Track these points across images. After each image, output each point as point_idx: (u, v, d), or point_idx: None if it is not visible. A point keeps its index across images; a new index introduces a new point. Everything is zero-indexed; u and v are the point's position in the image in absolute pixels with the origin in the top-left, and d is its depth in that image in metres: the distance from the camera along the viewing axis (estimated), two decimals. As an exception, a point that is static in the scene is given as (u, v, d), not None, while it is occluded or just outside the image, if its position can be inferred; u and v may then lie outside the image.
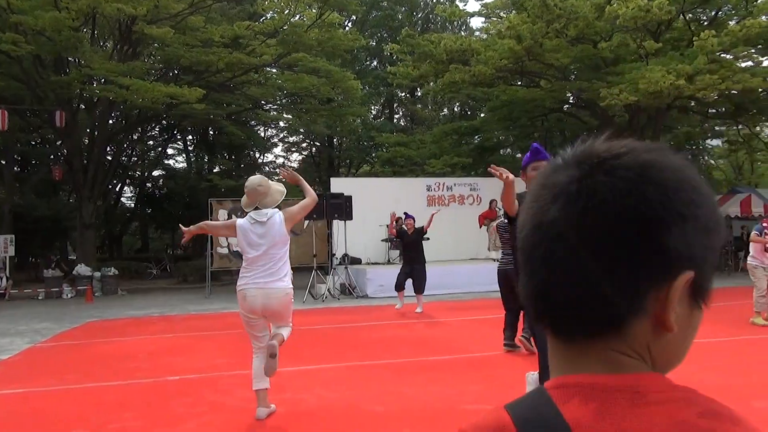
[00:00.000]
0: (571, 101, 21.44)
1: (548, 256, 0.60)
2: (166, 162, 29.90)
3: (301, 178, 4.88)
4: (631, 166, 0.59)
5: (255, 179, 4.65)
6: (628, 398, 0.57)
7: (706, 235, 0.59)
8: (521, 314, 6.64)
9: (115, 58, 17.10)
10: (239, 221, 4.56)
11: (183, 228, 4.81)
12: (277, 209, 4.60)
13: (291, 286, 4.57)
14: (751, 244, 8.89)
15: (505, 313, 6.83)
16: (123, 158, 24.59)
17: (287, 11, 18.35)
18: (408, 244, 10.62)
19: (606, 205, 0.57)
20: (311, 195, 4.76)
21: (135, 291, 17.12)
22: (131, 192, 31.20)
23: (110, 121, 19.98)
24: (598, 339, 0.60)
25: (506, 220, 5.49)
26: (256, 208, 4.59)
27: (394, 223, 11.31)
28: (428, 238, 15.10)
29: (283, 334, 4.51)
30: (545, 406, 0.59)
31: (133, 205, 31.42)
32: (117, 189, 27.37)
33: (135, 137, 24.58)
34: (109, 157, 20.50)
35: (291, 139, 31.65)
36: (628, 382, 0.58)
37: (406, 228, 10.62)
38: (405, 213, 11.01)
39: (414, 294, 10.48)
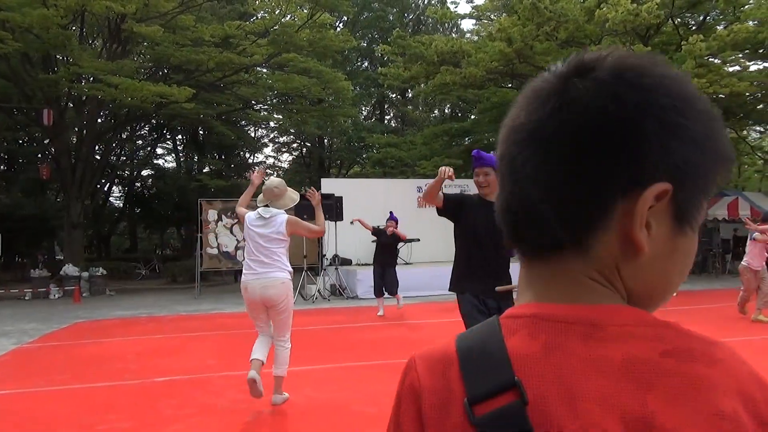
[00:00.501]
0: (561, 104, 21.55)
1: (513, 162, 0.57)
2: (155, 161, 29.75)
3: (320, 206, 5.13)
4: (609, 68, 0.54)
5: (274, 181, 4.98)
6: (582, 332, 0.52)
7: (693, 149, 0.53)
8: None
9: (104, 56, 17.00)
10: (249, 213, 4.86)
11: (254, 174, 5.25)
12: (283, 212, 4.84)
13: (289, 277, 4.77)
14: (748, 248, 8.86)
15: None
16: (112, 157, 24.40)
17: (278, 11, 18.33)
18: (384, 245, 10.49)
19: (575, 105, 0.53)
20: (321, 225, 5.03)
21: (123, 291, 17.00)
22: (120, 192, 30.98)
23: (99, 120, 19.84)
24: (561, 258, 0.55)
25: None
26: (267, 206, 4.85)
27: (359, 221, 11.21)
28: (418, 240, 15.17)
29: (281, 373, 4.79)
30: (492, 336, 0.56)
31: (121, 204, 31.19)
32: (105, 188, 27.16)
33: (124, 136, 24.43)
34: (98, 156, 20.32)
35: (281, 140, 31.60)
36: (586, 314, 0.53)
37: (385, 228, 10.41)
38: (390, 213, 10.82)
39: (390, 296, 10.47)
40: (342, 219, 13.76)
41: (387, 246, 10.48)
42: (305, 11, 17.77)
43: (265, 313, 4.77)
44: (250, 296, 4.68)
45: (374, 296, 10.67)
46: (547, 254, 0.56)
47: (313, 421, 4.48)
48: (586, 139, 0.52)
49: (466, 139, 25.96)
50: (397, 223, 10.43)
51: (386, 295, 10.48)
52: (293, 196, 4.97)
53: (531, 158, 0.54)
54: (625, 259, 0.53)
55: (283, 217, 4.77)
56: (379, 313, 10.27)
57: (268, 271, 4.65)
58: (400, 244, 15.12)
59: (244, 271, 4.77)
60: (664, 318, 0.54)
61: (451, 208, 3.98)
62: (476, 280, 3.87)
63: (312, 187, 5.36)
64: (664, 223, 0.53)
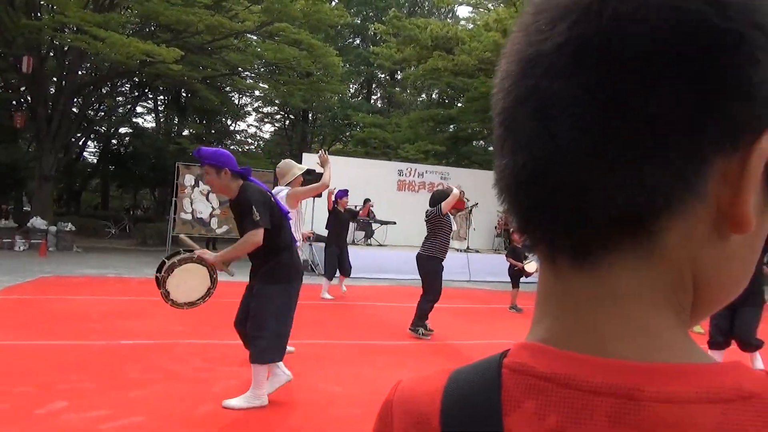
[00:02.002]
0: (548, 100, 21.66)
1: (546, 107, 0.37)
2: (134, 120, 29.19)
3: (329, 164, 5.22)
4: None
5: (280, 163, 5.53)
6: (611, 410, 0.35)
7: None
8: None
9: (90, 6, 16.48)
10: None
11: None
12: (287, 187, 5.33)
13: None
14: None
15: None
16: (89, 112, 23.87)
17: (274, -21, 17.95)
18: (345, 222, 9.98)
19: (648, 10, 0.34)
20: (324, 180, 5.15)
21: (91, 249, 16.72)
22: (95, 147, 30.41)
23: (80, 72, 19.32)
24: (606, 264, 0.37)
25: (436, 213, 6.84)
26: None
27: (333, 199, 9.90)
28: (395, 222, 15.18)
29: None
30: (487, 405, 0.40)
31: (96, 160, 30.61)
32: (80, 143, 26.58)
33: (104, 91, 23.89)
34: (75, 110, 19.84)
35: (265, 110, 31.23)
36: (623, 378, 0.35)
37: (339, 206, 9.84)
38: (342, 190, 9.99)
39: (339, 275, 9.98)
40: (321, 196, 13.66)
41: (345, 223, 9.94)
42: (301, -19, 17.47)
43: None
44: None
45: (327, 278, 9.84)
46: (585, 258, 0.38)
47: (278, 398, 4.47)
48: (672, 63, 0.33)
49: (451, 126, 25.99)
50: (347, 198, 9.95)
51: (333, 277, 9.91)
52: (295, 170, 5.45)
53: (580, 95, 0.35)
54: (713, 244, 0.37)
55: (283, 193, 5.20)
56: (326, 295, 9.69)
57: None
58: (376, 226, 15.17)
59: None
60: (737, 367, 0.36)
61: None
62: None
63: (324, 150, 5.59)
64: (759, 189, 0.36)
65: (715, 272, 0.38)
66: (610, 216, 0.36)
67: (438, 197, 7.12)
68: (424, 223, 7.19)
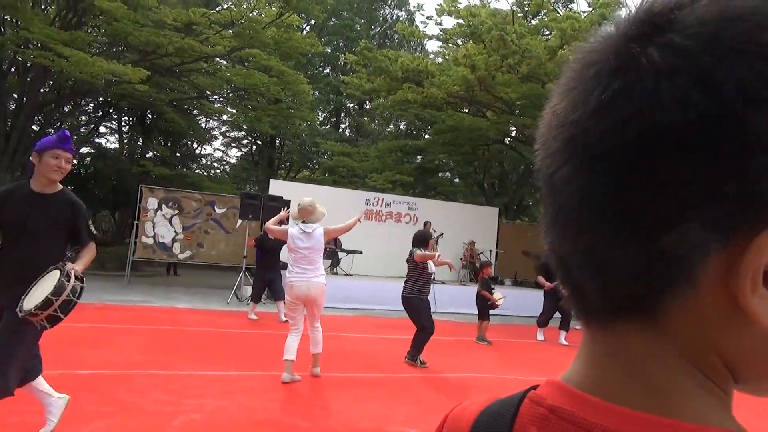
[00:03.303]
0: (513, 135, 22.08)
1: (550, 179, 0.40)
2: (96, 140, 28.47)
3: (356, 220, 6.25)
4: (697, 23, 0.33)
5: (307, 200, 6.08)
6: None
7: None
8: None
9: (56, 24, 16.18)
10: (291, 229, 5.96)
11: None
12: (320, 225, 5.97)
13: (325, 281, 5.98)
14: None
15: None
16: (50, 130, 23.22)
17: (245, 5, 18.01)
18: (270, 250, 10.44)
19: (635, 95, 0.34)
20: (349, 224, 6.11)
21: (46, 272, 16.07)
22: (54, 167, 29.46)
23: (41, 90, 18.85)
24: (621, 327, 0.39)
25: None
26: (304, 222, 5.96)
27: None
28: (360, 252, 15.10)
29: (318, 350, 6.11)
30: (502, 429, 0.43)
31: (54, 180, 29.66)
32: (39, 162, 25.78)
33: (66, 110, 23.33)
34: (36, 127, 19.29)
35: (232, 134, 30.98)
36: (611, 421, 0.36)
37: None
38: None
39: (275, 302, 10.75)
40: (287, 223, 13.51)
41: (272, 250, 10.47)
42: (274, 9, 17.54)
43: (302, 308, 5.89)
44: (296, 293, 5.79)
45: (252, 301, 10.64)
46: (602, 320, 0.40)
47: (243, 431, 4.30)
48: (651, 155, 0.33)
49: (418, 157, 26.23)
50: None
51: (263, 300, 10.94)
52: (322, 210, 6.08)
53: (572, 178, 0.37)
54: (730, 329, 0.35)
55: (320, 230, 5.90)
56: (252, 317, 10.32)
57: (313, 276, 5.80)
58: (342, 255, 15.06)
59: (291, 272, 5.86)
60: None
61: None
62: (6, 288, 3.45)
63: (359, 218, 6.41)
64: None
65: (747, 359, 0.36)
66: (612, 297, 0.38)
67: (418, 238, 7.34)
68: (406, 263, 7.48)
